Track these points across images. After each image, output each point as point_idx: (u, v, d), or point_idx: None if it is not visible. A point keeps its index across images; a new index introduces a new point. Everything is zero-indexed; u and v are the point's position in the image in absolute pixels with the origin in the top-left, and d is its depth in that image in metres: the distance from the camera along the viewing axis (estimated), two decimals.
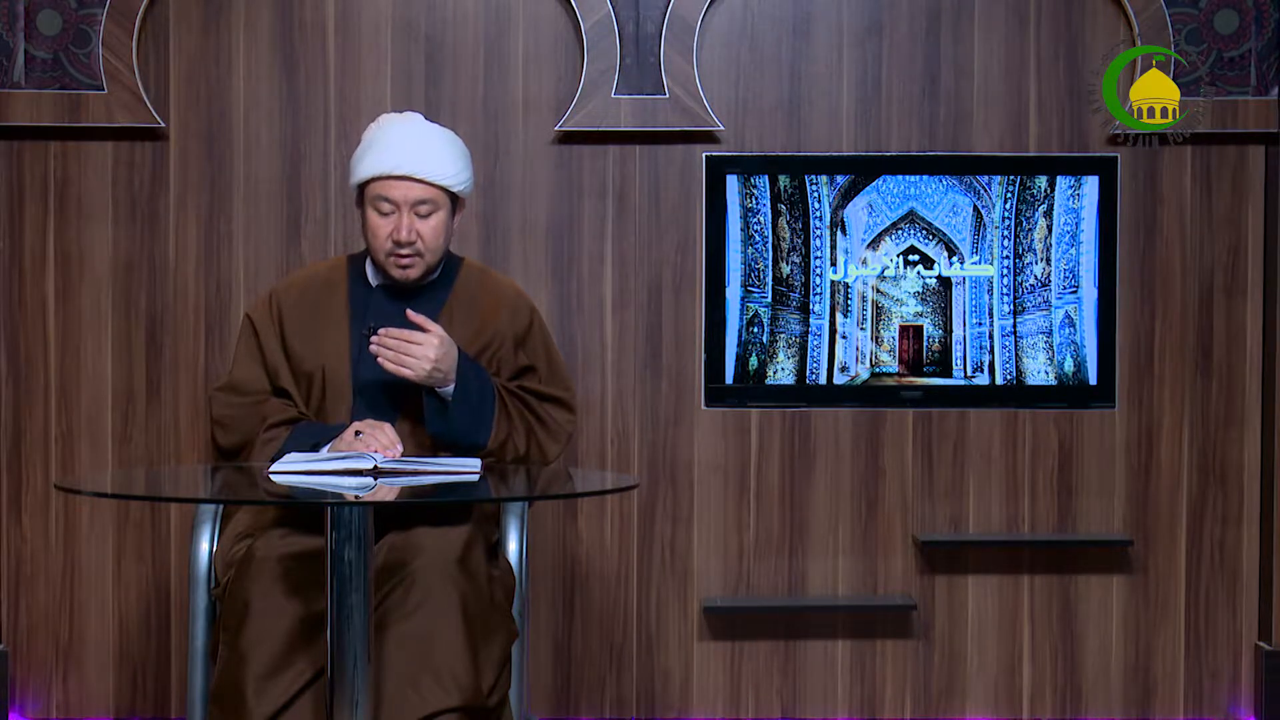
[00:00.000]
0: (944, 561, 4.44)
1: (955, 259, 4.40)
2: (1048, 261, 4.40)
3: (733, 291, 4.39)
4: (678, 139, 4.39)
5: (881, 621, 4.44)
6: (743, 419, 4.44)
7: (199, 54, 4.38)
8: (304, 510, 3.42)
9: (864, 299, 4.41)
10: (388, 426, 3.45)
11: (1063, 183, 4.40)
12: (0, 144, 4.35)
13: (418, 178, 3.58)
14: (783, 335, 4.40)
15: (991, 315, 4.40)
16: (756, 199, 4.39)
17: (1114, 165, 4.40)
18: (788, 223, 4.39)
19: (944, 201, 4.40)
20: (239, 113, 4.38)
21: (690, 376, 4.43)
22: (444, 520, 3.41)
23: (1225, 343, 4.43)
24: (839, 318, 4.40)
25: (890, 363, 4.42)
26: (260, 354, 3.66)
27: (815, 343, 4.40)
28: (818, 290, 4.40)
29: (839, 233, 4.39)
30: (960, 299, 4.42)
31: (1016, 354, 4.41)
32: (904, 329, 4.41)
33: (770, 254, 4.39)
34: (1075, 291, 4.40)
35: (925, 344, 4.41)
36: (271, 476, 3.27)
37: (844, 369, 4.41)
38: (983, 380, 4.43)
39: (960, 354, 4.41)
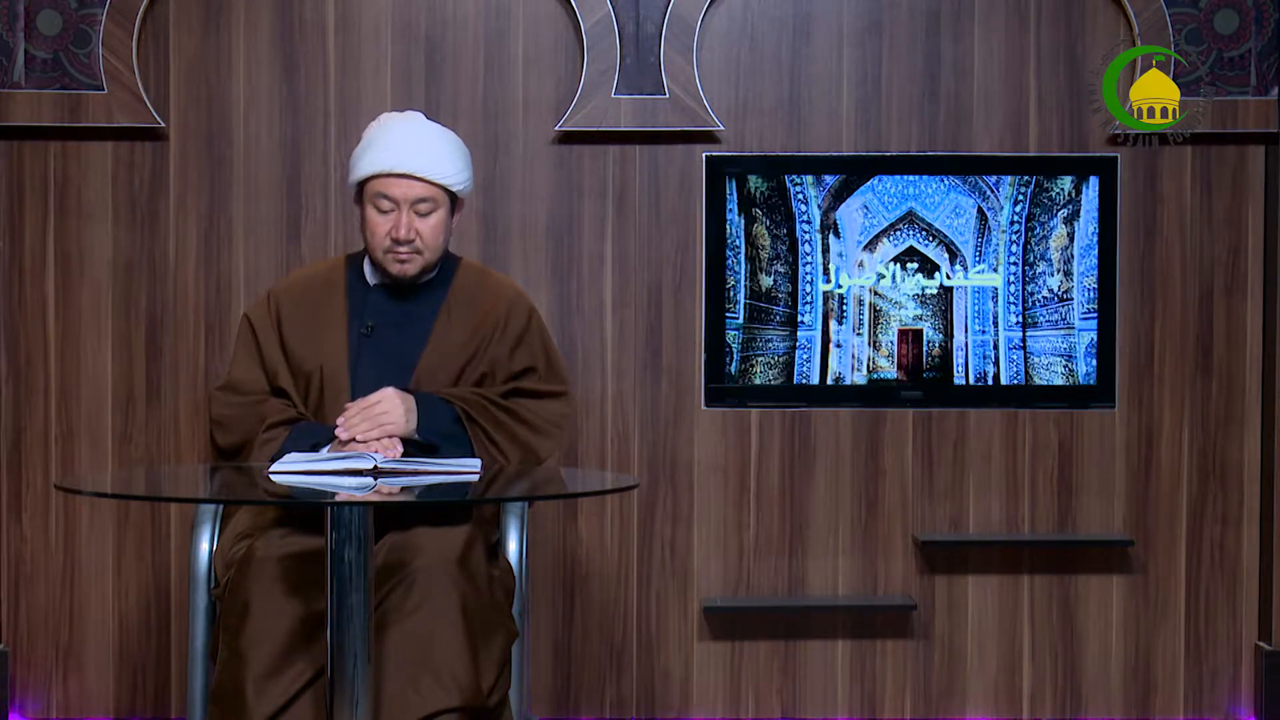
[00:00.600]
0: (944, 561, 4.44)
1: (958, 264, 4.39)
2: (1067, 275, 4.39)
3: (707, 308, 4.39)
4: (678, 139, 4.39)
5: (881, 621, 4.44)
6: (743, 419, 4.44)
7: (199, 54, 4.38)
8: (304, 510, 3.42)
9: (860, 302, 4.40)
10: (378, 408, 3.45)
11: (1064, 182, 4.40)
12: (0, 144, 4.35)
13: (418, 176, 3.58)
14: (761, 357, 4.38)
15: (996, 324, 4.39)
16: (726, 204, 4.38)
17: (1114, 165, 4.40)
18: (768, 229, 4.38)
19: (945, 202, 4.40)
20: (239, 113, 4.38)
21: (690, 376, 4.43)
22: (444, 520, 3.41)
23: (1225, 343, 4.43)
24: (833, 325, 4.39)
25: (889, 368, 4.42)
26: (259, 354, 3.66)
27: (804, 356, 4.38)
28: (807, 299, 4.39)
29: (831, 236, 4.39)
30: (962, 305, 4.41)
31: (1026, 370, 4.39)
32: (903, 333, 4.41)
33: (744, 264, 4.37)
34: (1095, 314, 4.39)
35: (925, 349, 4.41)
36: (271, 476, 3.27)
37: (838, 379, 4.40)
38: (983, 381, 4.42)
39: (962, 360, 4.40)
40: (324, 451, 3.44)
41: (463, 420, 3.54)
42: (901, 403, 4.43)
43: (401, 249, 3.59)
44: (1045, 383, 4.42)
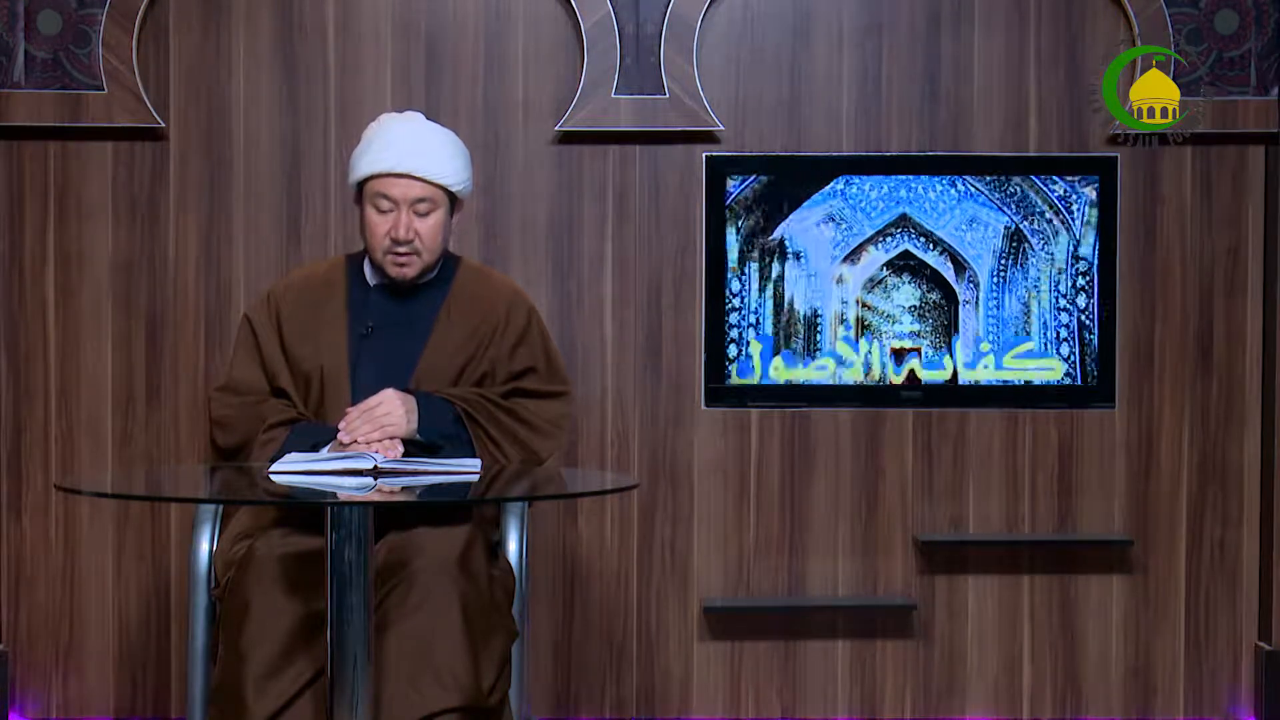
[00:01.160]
0: (944, 561, 4.44)
1: (968, 281, 4.38)
2: (1068, 275, 4.40)
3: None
4: (678, 139, 4.39)
5: (881, 621, 4.44)
6: (743, 419, 4.44)
7: (199, 54, 4.38)
8: (304, 510, 3.42)
9: (842, 320, 4.41)
10: (379, 409, 3.45)
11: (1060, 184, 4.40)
12: (0, 144, 4.35)
13: (417, 176, 3.58)
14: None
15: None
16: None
17: (1114, 165, 4.40)
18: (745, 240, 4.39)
19: (950, 214, 4.40)
20: (239, 113, 4.38)
21: (690, 376, 4.43)
22: (444, 520, 3.40)
23: (1225, 343, 4.43)
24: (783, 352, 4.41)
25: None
26: (259, 355, 3.65)
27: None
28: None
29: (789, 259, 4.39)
30: (970, 323, 4.42)
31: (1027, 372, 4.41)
32: (897, 352, 4.41)
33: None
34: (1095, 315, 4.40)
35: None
36: (271, 476, 3.27)
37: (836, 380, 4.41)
38: (983, 381, 4.42)
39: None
40: (324, 451, 3.44)
41: (463, 420, 3.54)
42: (901, 403, 4.43)
43: (400, 250, 3.58)
44: (1045, 383, 4.42)
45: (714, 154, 4.39)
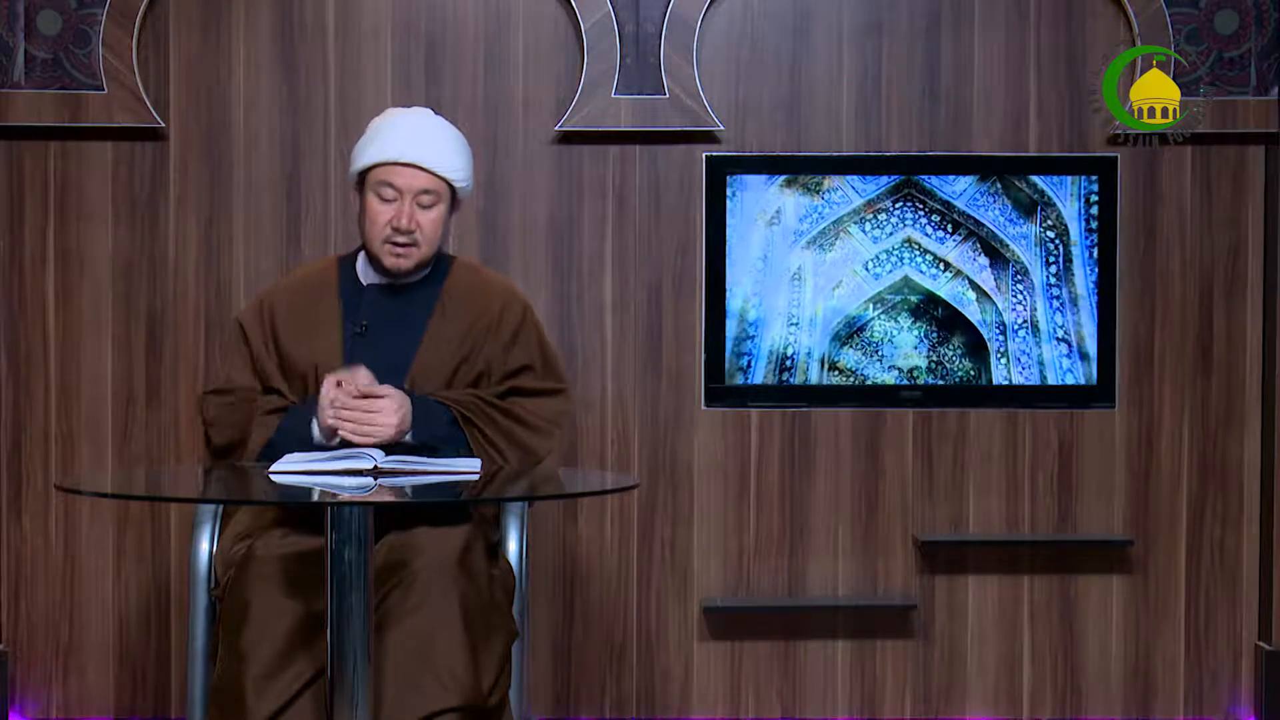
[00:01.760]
0: (944, 561, 4.44)
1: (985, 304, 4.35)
2: (1069, 277, 4.40)
3: None
4: (678, 139, 4.39)
5: (881, 621, 4.44)
6: (743, 419, 4.44)
7: (199, 54, 4.38)
8: (304, 510, 3.42)
9: (786, 359, 4.40)
10: (374, 415, 3.44)
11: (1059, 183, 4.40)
12: (0, 144, 4.35)
13: (424, 166, 3.58)
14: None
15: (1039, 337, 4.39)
16: None
17: (1114, 165, 4.40)
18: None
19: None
20: (239, 113, 4.38)
21: (690, 376, 4.43)
22: (443, 520, 3.40)
23: (1225, 343, 4.44)
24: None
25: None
26: (250, 358, 3.64)
27: None
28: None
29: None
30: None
31: (1028, 371, 4.40)
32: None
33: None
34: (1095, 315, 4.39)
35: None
36: (271, 477, 3.27)
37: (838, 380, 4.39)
38: (983, 380, 4.42)
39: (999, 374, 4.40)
40: (316, 437, 3.45)
41: (459, 422, 3.54)
42: (901, 403, 4.43)
43: (400, 240, 3.58)
44: (1045, 383, 4.41)
45: (714, 154, 4.39)
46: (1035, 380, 4.40)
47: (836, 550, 4.44)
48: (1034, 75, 4.42)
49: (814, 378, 4.20)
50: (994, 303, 4.38)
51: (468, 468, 3.36)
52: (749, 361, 4.28)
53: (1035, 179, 4.38)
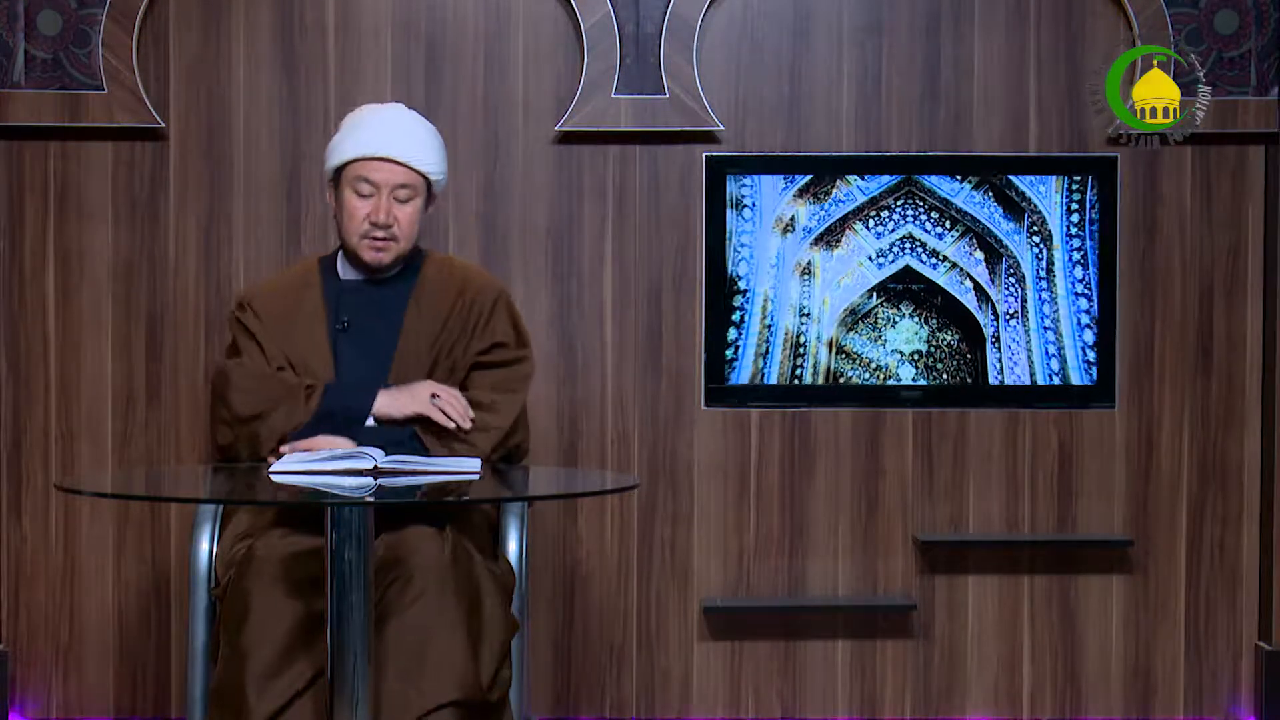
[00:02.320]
0: (944, 561, 4.44)
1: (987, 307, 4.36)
2: (1069, 278, 4.39)
3: None
4: (678, 139, 4.39)
5: (881, 621, 4.44)
6: (743, 419, 4.44)
7: (199, 54, 4.38)
8: (304, 510, 3.43)
9: (795, 342, 4.39)
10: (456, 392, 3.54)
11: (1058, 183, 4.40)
12: (0, 144, 4.35)
13: (400, 161, 3.62)
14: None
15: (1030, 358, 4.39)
16: None
17: (1114, 165, 4.40)
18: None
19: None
20: (239, 113, 4.38)
21: (690, 376, 4.43)
22: (436, 518, 3.41)
23: (1225, 343, 4.43)
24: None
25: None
26: (258, 345, 3.68)
27: None
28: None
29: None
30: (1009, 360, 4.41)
31: (1030, 371, 4.40)
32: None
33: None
34: (1095, 315, 4.39)
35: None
36: (271, 476, 3.27)
37: (838, 379, 4.39)
38: (983, 381, 4.42)
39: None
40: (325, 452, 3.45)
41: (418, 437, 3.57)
42: (901, 403, 4.43)
43: (379, 234, 3.62)
44: (1045, 383, 4.41)
45: (714, 154, 4.39)
46: (1026, 371, 4.40)
47: (836, 550, 4.44)
48: (1034, 75, 4.42)
49: (823, 359, 4.20)
50: (989, 295, 4.37)
51: (468, 467, 3.37)
52: (768, 348, 4.28)
53: (1021, 185, 4.36)
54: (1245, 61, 4.35)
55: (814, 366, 4.26)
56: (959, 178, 4.30)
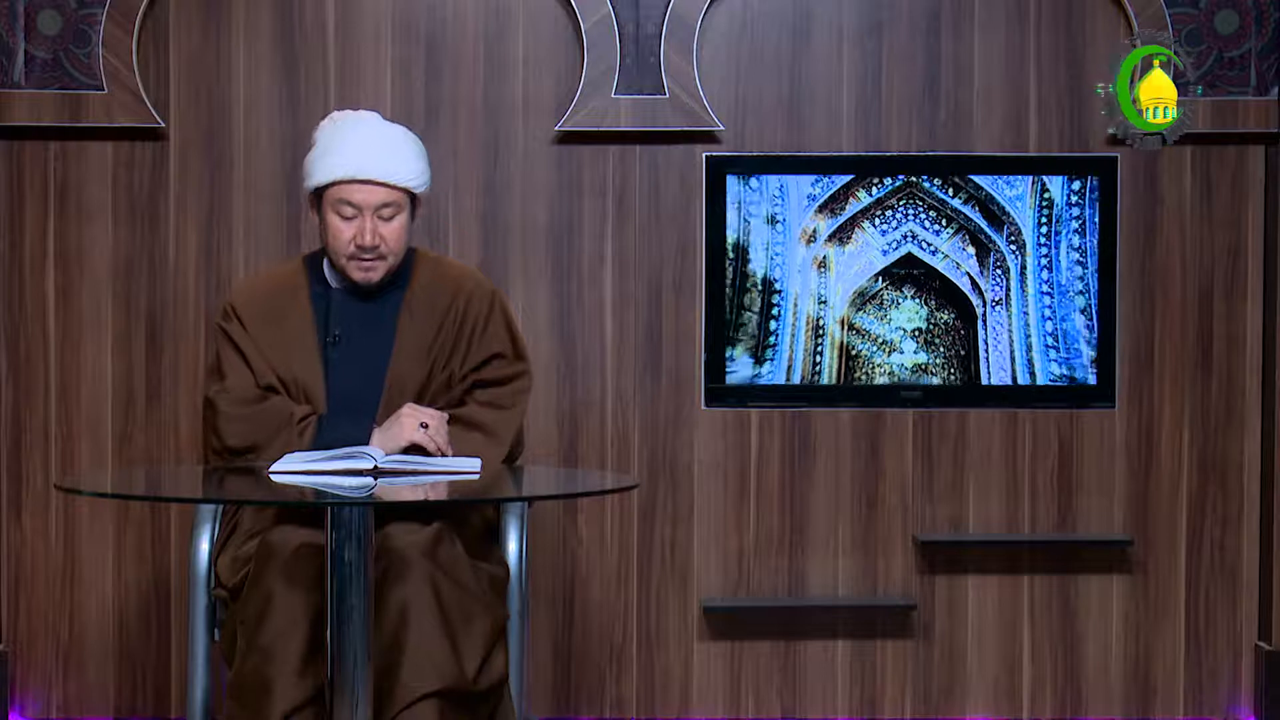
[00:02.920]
0: (944, 561, 4.44)
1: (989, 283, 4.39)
2: (1068, 277, 4.39)
3: None
4: (678, 139, 4.39)
5: (881, 621, 4.44)
6: (743, 419, 4.44)
7: (199, 54, 4.38)
8: (304, 510, 3.42)
9: (816, 330, 4.40)
10: (433, 412, 3.51)
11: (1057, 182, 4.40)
12: (0, 144, 4.35)
13: (380, 181, 3.53)
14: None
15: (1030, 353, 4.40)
16: None
17: (1114, 165, 4.40)
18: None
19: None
20: (239, 113, 4.38)
21: (690, 376, 4.43)
22: (417, 516, 3.40)
23: (1225, 343, 4.43)
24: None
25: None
26: (243, 358, 3.62)
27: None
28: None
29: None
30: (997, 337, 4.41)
31: (1031, 371, 4.40)
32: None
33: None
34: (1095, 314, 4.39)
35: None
36: (272, 476, 3.27)
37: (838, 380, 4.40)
38: (983, 380, 4.42)
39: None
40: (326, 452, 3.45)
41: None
42: (901, 403, 4.43)
43: (366, 256, 3.55)
44: (1045, 383, 4.42)
45: (714, 154, 4.39)
46: (1007, 349, 4.41)
47: (836, 550, 4.44)
48: (1034, 75, 4.42)
49: (837, 335, 4.24)
50: (979, 284, 4.38)
51: (468, 467, 3.37)
52: (795, 331, 4.30)
53: (1001, 201, 4.36)
54: (1245, 61, 4.35)
55: (831, 343, 4.30)
56: (950, 191, 4.31)
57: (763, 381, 4.37)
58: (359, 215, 3.54)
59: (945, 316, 4.37)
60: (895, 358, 4.33)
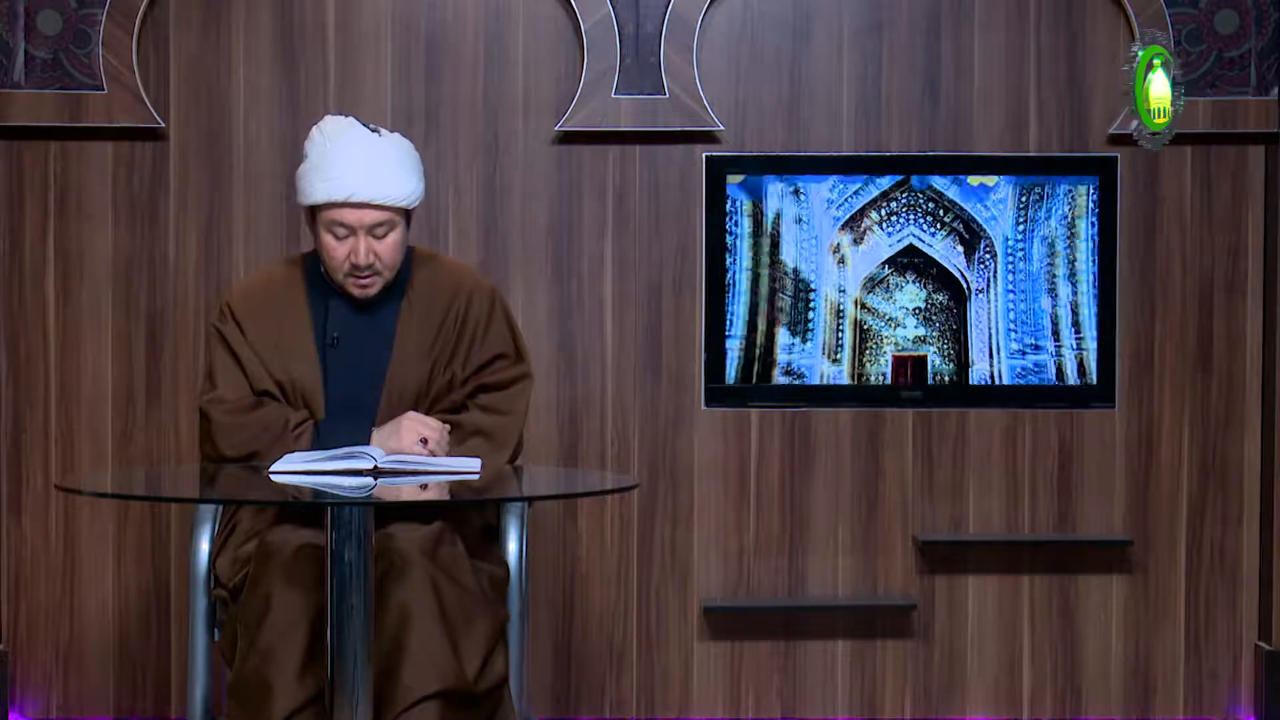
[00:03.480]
0: (944, 561, 4.44)
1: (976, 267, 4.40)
2: (1069, 276, 4.41)
3: None
4: (678, 139, 4.39)
5: (881, 621, 4.44)
6: (743, 419, 4.44)
7: (199, 54, 4.38)
8: (304, 510, 3.42)
9: (839, 313, 4.41)
10: (431, 420, 3.50)
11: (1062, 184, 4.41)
12: (0, 144, 4.35)
13: (373, 204, 3.51)
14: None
15: (1057, 334, 4.41)
16: None
17: (1114, 165, 4.40)
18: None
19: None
20: (239, 113, 4.38)
21: (690, 376, 4.43)
22: (418, 516, 3.40)
23: (1225, 343, 4.44)
24: (779, 334, 4.41)
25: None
26: (238, 363, 3.62)
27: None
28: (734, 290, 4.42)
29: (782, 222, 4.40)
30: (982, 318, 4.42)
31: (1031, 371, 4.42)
32: (899, 360, 4.42)
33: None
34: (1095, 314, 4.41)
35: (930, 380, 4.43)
36: (272, 476, 3.27)
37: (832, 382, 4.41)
38: (983, 380, 4.43)
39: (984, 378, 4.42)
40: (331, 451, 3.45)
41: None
42: (901, 403, 4.43)
43: (362, 275, 3.55)
44: (1045, 383, 4.42)
45: (714, 154, 4.39)
46: (988, 326, 4.41)
47: (836, 550, 4.44)
48: (1034, 75, 4.42)
49: (851, 313, 4.32)
50: (965, 276, 4.39)
51: (467, 467, 3.37)
52: (815, 316, 4.32)
53: (976, 215, 4.38)
54: (1245, 61, 4.35)
55: (850, 320, 4.36)
56: (940, 210, 4.35)
57: (801, 357, 4.38)
58: (352, 235, 3.53)
59: (940, 297, 4.39)
60: (899, 331, 4.35)
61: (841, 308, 4.40)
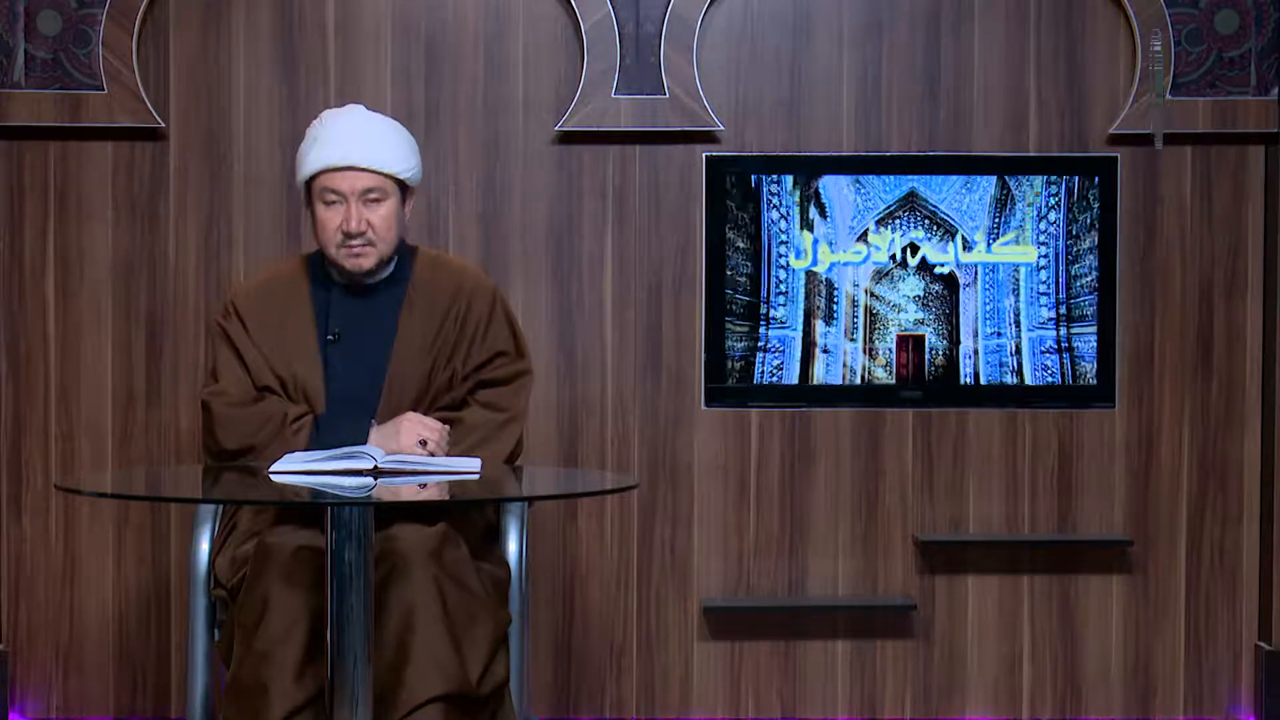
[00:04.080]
0: (944, 561, 4.44)
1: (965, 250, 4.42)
2: (1069, 275, 4.42)
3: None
4: (678, 139, 4.39)
5: (881, 621, 4.44)
6: (743, 419, 4.44)
7: (199, 54, 4.38)
8: (304, 510, 3.42)
9: (854, 302, 4.41)
10: (430, 420, 3.50)
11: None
12: (0, 144, 4.35)
13: (362, 166, 3.55)
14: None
15: (1018, 323, 4.41)
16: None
17: (1114, 165, 4.40)
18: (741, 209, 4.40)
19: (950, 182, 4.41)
20: (239, 113, 4.38)
21: (690, 376, 4.43)
22: (421, 517, 3.40)
23: (1225, 343, 4.44)
24: (817, 325, 4.40)
25: (886, 379, 4.43)
26: (239, 359, 3.63)
27: (773, 360, 4.40)
28: (781, 288, 4.41)
29: (815, 214, 4.40)
30: (970, 302, 4.42)
31: (1072, 370, 4.43)
32: (902, 339, 4.42)
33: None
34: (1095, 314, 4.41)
35: (927, 358, 4.42)
36: (271, 476, 3.27)
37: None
38: (982, 380, 4.42)
39: (970, 370, 4.41)
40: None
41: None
42: (901, 403, 4.43)
43: (354, 242, 3.56)
44: (1045, 383, 4.42)
45: (714, 154, 4.39)
46: (973, 313, 4.42)
47: (836, 550, 4.44)
48: (1034, 75, 4.42)
49: (863, 300, 4.38)
50: (955, 271, 4.40)
51: (467, 467, 3.37)
52: (837, 308, 4.37)
53: (939, 211, 4.39)
54: (1245, 61, 4.35)
55: (863, 308, 4.40)
56: (928, 221, 4.35)
57: (827, 339, 4.39)
58: (343, 201, 3.56)
59: (936, 287, 4.39)
60: (902, 315, 4.35)
61: (855, 298, 4.41)
